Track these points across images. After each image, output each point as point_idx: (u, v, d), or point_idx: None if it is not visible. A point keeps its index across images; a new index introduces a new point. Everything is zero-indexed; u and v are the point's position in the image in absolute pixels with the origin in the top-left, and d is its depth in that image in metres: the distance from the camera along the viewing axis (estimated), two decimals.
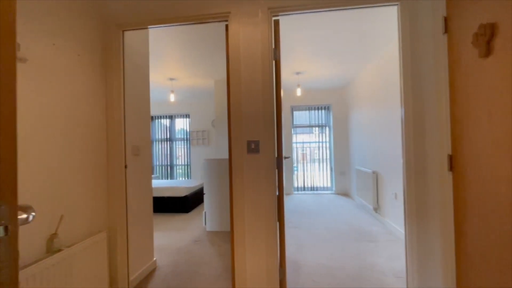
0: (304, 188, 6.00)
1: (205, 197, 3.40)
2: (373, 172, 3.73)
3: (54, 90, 1.45)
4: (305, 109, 6.02)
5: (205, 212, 3.40)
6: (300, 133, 6.41)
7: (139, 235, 2.13)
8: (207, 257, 2.59)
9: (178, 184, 4.56)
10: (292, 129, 6.01)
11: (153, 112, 6.60)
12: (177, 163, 6.70)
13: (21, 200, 0.58)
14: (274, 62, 1.78)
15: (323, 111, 5.96)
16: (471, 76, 1.22)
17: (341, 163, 5.70)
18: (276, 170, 1.74)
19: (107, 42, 1.86)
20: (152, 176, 6.17)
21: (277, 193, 1.75)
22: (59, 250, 1.36)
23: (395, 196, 3.12)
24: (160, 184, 4.58)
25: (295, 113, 6.07)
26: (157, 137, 6.71)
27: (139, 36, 2.23)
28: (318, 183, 6.03)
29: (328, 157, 5.98)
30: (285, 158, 2.53)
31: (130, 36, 2.06)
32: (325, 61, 3.81)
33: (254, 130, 1.68)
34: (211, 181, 3.37)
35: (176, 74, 4.28)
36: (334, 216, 3.89)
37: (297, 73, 4.32)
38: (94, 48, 1.78)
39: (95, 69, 1.78)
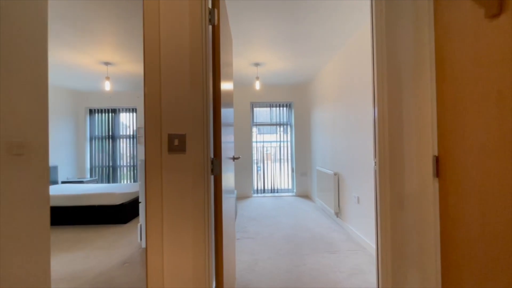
0: (264, 190, 5.63)
1: (141, 207, 2.78)
2: (335, 174, 3.47)
3: None
4: (266, 106, 5.66)
5: (140, 225, 2.78)
6: (266, 133, 6.05)
7: (19, 266, 1.47)
8: (133, 286, 2.00)
9: (112, 189, 3.81)
10: (253, 127, 5.59)
11: (91, 104, 5.64)
12: (121, 164, 5.83)
13: None
14: (211, 28, 1.30)
15: (284, 108, 5.66)
16: (470, 46, 0.88)
17: (302, 163, 5.45)
18: (212, 175, 1.26)
19: None
20: (90, 179, 5.25)
21: (213, 208, 1.28)
22: None
23: (357, 200, 2.86)
24: (90, 190, 3.79)
25: (256, 110, 5.67)
26: (96, 133, 5.76)
27: None
28: (279, 184, 5.71)
29: (289, 157, 5.69)
30: (235, 158, 2.07)
31: None
32: (286, 52, 3.44)
33: (178, 121, 1.18)
34: None
35: (112, 57, 3.55)
36: (294, 222, 3.55)
37: (256, 65, 3.90)
38: None
39: None
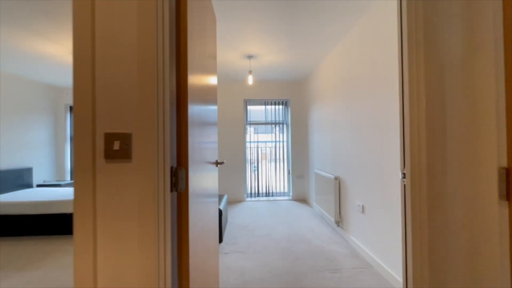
0: (258, 194, 5.27)
1: None
2: (335, 178, 3.12)
3: None
4: (261, 104, 5.29)
5: None
6: (261, 132, 5.69)
7: None
8: None
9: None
10: (247, 126, 5.23)
11: (71, 100, 5.22)
12: None
13: None
14: None
15: (280, 106, 5.30)
16: None
17: (299, 165, 5.10)
18: (174, 192, 0.89)
19: None
20: (69, 182, 4.83)
21: (176, 238, 0.91)
22: None
23: (362, 209, 2.52)
24: (62, 196, 3.38)
25: (250, 108, 5.30)
26: None
27: None
28: (274, 187, 5.35)
29: (285, 158, 5.34)
30: (218, 163, 1.70)
31: None
32: (281, 42, 3.08)
33: (121, 116, 0.81)
34: None
35: None
36: (290, 232, 3.20)
37: (249, 57, 3.53)
38: None
39: None
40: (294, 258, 2.48)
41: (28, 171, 4.40)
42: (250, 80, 3.67)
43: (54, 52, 3.26)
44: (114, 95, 0.80)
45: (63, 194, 3.50)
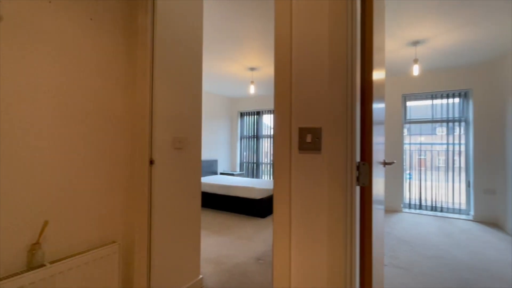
0: (420, 206, 4.41)
1: None
2: None
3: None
4: (425, 98, 4.40)
5: None
6: (424, 133, 4.82)
7: (175, 246, 1.71)
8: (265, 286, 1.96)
9: (252, 184, 4.12)
10: (404, 126, 4.52)
11: (241, 108, 6.52)
12: (263, 161, 6.37)
13: None
14: (359, 2, 0.95)
15: (455, 99, 4.18)
16: None
17: (487, 176, 3.81)
18: (357, 186, 0.90)
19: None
20: (239, 173, 6.08)
21: (358, 231, 0.92)
22: (41, 266, 1.05)
23: None
24: (236, 183, 4.28)
25: (409, 104, 4.54)
26: (245, 133, 6.61)
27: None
28: (444, 201, 4.29)
29: (463, 165, 4.15)
30: (386, 163, 1.57)
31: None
32: (461, 16, 2.41)
33: (313, 114, 0.91)
34: None
35: (256, 62, 3.84)
36: (475, 261, 2.44)
37: (414, 44, 3.03)
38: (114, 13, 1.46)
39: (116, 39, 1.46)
40: None
41: (215, 162, 5.92)
42: (415, 70, 3.13)
43: (233, 70, 4.20)
44: (306, 93, 0.92)
45: (235, 181, 4.45)
